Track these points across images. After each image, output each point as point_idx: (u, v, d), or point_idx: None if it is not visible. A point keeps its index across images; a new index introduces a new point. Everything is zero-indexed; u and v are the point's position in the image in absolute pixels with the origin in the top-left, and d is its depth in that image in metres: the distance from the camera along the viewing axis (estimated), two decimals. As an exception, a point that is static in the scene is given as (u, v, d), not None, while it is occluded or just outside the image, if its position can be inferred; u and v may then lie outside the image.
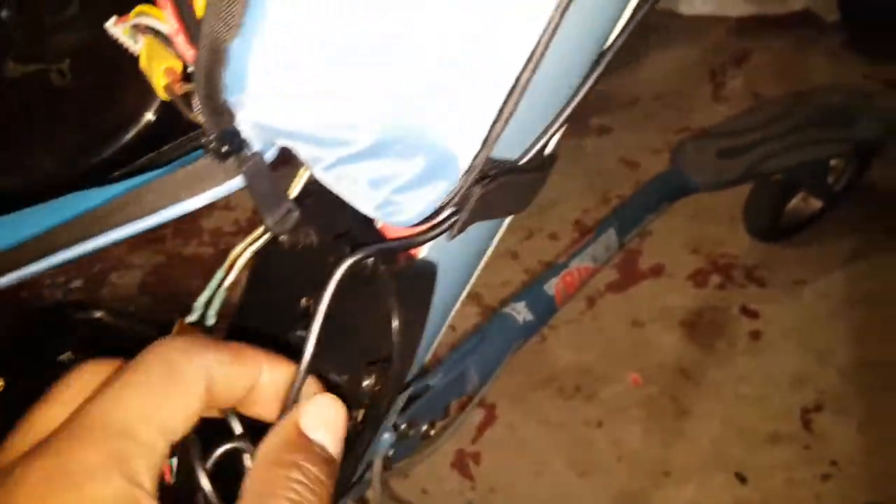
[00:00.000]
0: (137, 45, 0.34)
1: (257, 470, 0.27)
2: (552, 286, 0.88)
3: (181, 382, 0.26)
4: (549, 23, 0.29)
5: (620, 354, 1.33)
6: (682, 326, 1.37)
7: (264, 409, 0.30)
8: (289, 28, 0.26)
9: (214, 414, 0.29)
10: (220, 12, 0.25)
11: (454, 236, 0.33)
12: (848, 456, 1.18)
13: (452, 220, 0.32)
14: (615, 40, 0.36)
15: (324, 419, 0.28)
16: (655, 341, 1.35)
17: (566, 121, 0.36)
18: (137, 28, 0.34)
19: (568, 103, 0.36)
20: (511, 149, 0.35)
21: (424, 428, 0.62)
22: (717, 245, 1.49)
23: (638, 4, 0.36)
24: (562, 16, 0.29)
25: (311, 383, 0.31)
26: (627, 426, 1.24)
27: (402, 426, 0.58)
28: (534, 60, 0.30)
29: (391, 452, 0.56)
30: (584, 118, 1.77)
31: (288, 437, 0.28)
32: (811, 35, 2.03)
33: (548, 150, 0.39)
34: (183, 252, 1.60)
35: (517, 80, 0.30)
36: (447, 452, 1.20)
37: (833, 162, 1.33)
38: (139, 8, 0.33)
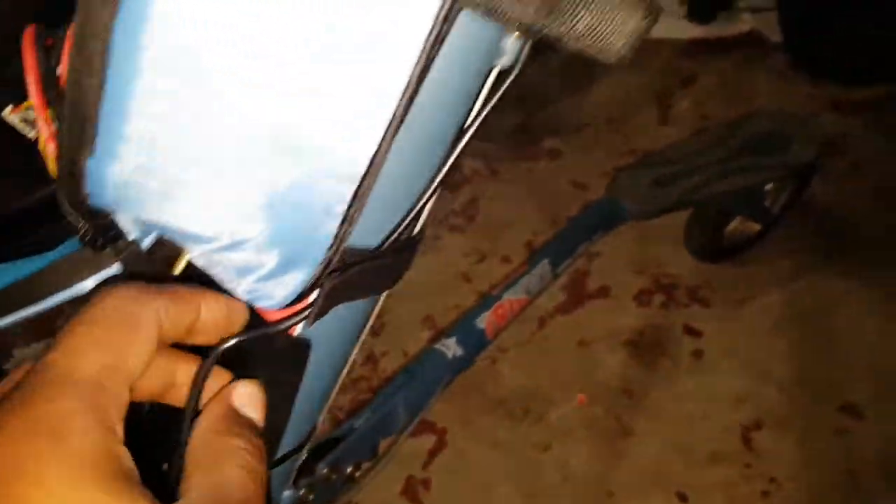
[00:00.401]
0: (31, 133, 0.37)
1: (200, 440, 0.29)
2: (483, 320, 0.91)
3: (138, 331, 0.28)
4: (394, 115, 0.30)
5: (568, 375, 1.36)
6: (626, 346, 1.40)
7: (204, 338, 0.32)
8: (142, 142, 0.28)
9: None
10: (73, 131, 0.27)
11: (311, 323, 0.35)
12: (787, 472, 1.22)
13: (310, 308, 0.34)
14: (475, 117, 0.39)
15: (250, 396, 0.32)
16: (601, 361, 1.38)
17: (427, 201, 0.38)
18: (27, 121, 0.36)
19: (427, 187, 0.38)
20: (371, 235, 0.38)
21: (349, 470, 0.64)
22: (661, 265, 1.53)
23: (496, 81, 0.38)
24: (407, 107, 0.30)
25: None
26: (574, 447, 1.27)
27: (324, 471, 0.60)
28: (380, 155, 0.31)
29: (311, 497, 0.58)
30: (536, 141, 1.81)
31: (226, 412, 0.31)
32: (756, 56, 2.09)
33: (417, 229, 0.42)
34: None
35: (361, 182, 0.31)
36: (397, 479, 1.22)
37: (769, 186, 1.37)
38: (29, 102, 0.35)
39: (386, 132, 0.30)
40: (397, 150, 0.32)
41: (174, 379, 0.32)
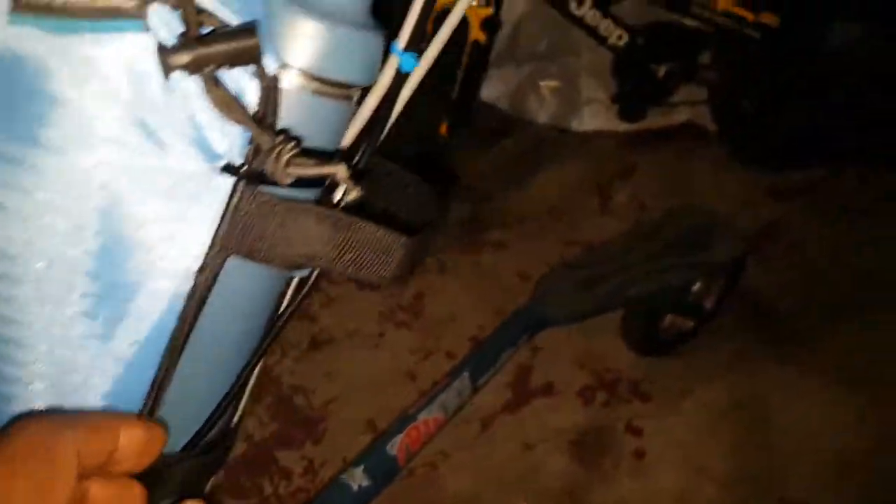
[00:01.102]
0: None
1: None
2: (395, 445, 0.89)
3: (59, 467, 0.28)
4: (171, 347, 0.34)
5: (511, 479, 1.36)
6: (570, 447, 1.41)
7: (125, 466, 0.32)
8: None
9: None
10: None
11: None
12: (728, 572, 1.22)
13: None
14: (284, 313, 0.40)
15: None
16: (545, 464, 1.38)
17: (230, 403, 0.40)
18: None
19: (232, 389, 0.39)
20: (179, 435, 0.39)
21: None
22: (603, 360, 1.55)
23: (297, 288, 0.41)
24: (196, 313, 0.34)
25: None
26: (516, 554, 1.25)
27: None
28: (163, 379, 0.34)
29: None
30: (481, 233, 1.84)
31: None
32: (695, 146, 2.17)
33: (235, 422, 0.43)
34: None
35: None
36: None
37: (696, 284, 1.41)
38: None
39: (163, 364, 0.34)
40: (193, 361, 0.35)
41: None
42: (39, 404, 0.33)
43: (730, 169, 2.11)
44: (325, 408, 1.46)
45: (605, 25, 1.77)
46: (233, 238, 0.33)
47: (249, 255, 0.34)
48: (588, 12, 1.74)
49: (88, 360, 0.33)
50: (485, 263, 1.77)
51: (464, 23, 1.61)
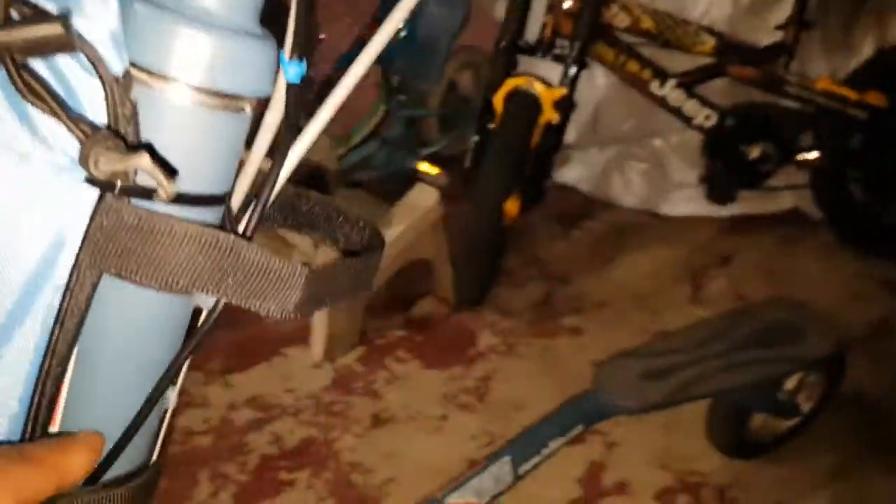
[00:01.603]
0: None
1: None
2: (421, 530, 0.82)
3: None
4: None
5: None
6: (643, 554, 1.27)
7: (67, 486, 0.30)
8: None
9: None
10: None
11: None
12: None
13: None
14: (185, 351, 0.36)
15: None
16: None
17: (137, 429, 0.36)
18: None
19: (137, 419, 0.36)
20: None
21: None
22: (687, 461, 1.41)
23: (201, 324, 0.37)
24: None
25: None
26: None
27: None
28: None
29: None
30: (556, 318, 1.76)
31: None
32: (799, 234, 2.02)
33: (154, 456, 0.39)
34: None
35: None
36: None
37: (789, 381, 1.27)
38: None
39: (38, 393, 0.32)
40: (84, 394, 0.34)
41: None
42: None
43: (839, 259, 1.95)
44: (382, 488, 1.39)
45: (689, 105, 1.71)
46: (97, 254, 0.31)
47: (119, 274, 0.31)
48: (671, 93, 1.69)
49: None
50: (557, 349, 1.68)
51: (536, 103, 1.59)
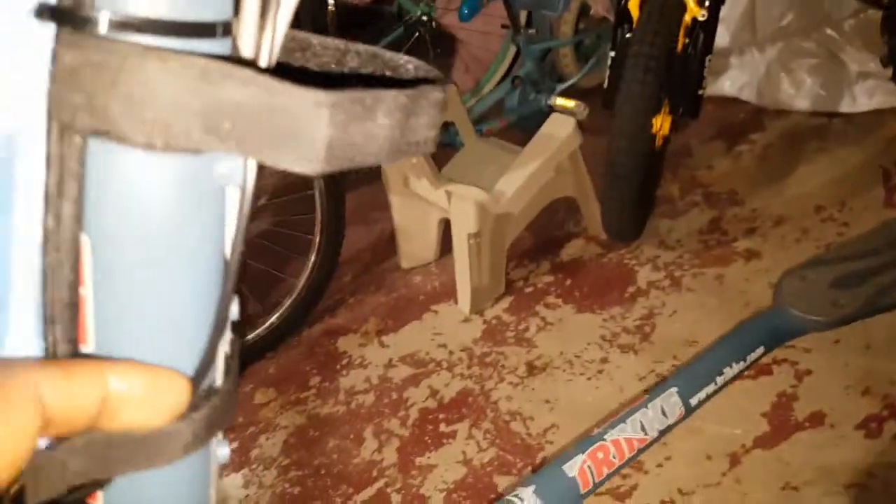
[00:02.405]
0: None
1: None
2: (574, 466, 0.72)
3: (4, 410, 0.23)
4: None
5: (765, 530, 1.08)
6: (849, 490, 1.09)
7: (134, 417, 0.26)
8: None
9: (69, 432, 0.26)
10: None
11: None
12: None
13: None
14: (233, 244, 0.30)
15: None
16: (812, 512, 1.08)
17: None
18: None
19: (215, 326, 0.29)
20: None
21: None
22: (894, 383, 1.20)
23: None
24: None
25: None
26: None
27: None
28: None
29: None
30: (727, 242, 1.57)
31: None
32: None
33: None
34: (320, 412, 1.61)
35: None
36: None
37: None
38: None
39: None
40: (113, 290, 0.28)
41: None
42: None
43: None
44: (544, 436, 1.32)
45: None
46: (66, 111, 0.25)
47: (96, 131, 0.25)
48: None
49: None
50: (731, 276, 1.50)
51: (680, 1, 1.41)
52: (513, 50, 2.04)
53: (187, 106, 0.24)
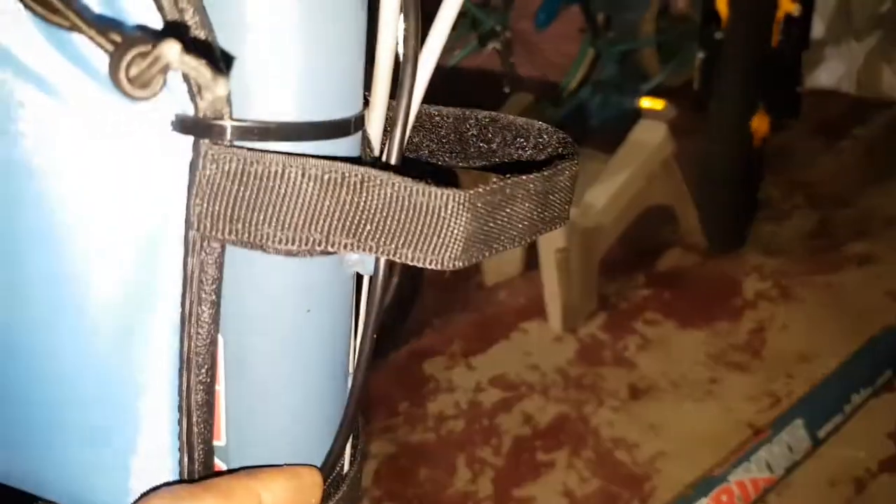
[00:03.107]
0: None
1: None
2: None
3: None
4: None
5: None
6: None
7: None
8: None
9: None
10: None
11: None
12: None
13: None
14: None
15: None
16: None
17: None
18: None
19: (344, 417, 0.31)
20: None
21: None
22: None
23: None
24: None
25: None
26: None
27: None
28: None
29: None
30: (836, 247, 1.48)
31: None
32: None
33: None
34: (410, 440, 1.58)
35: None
36: None
37: None
38: None
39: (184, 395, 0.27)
40: (250, 388, 0.29)
41: None
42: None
43: None
44: (652, 464, 1.25)
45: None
46: (205, 220, 0.25)
47: (234, 239, 0.25)
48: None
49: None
50: (843, 284, 1.42)
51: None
52: (591, 53, 1.98)
53: (328, 212, 0.24)
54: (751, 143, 1.41)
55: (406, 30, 0.28)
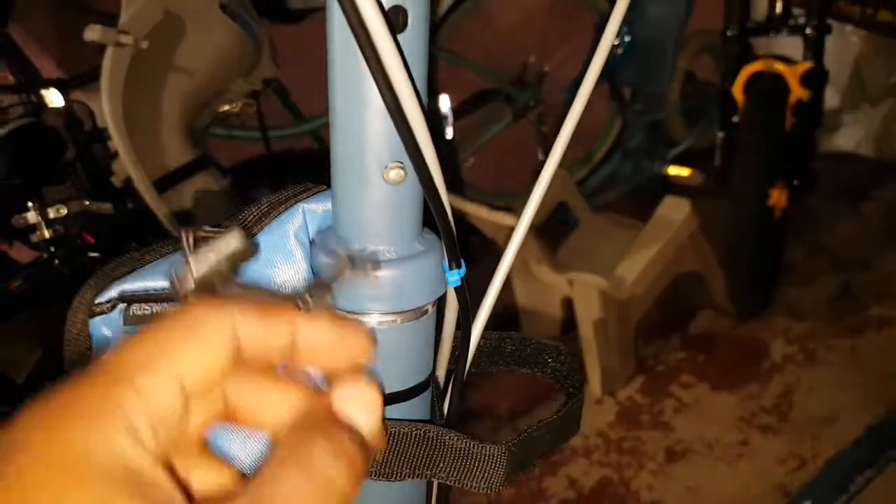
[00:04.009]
0: None
1: (286, 436, 0.25)
2: None
3: (199, 335, 0.25)
4: None
5: None
6: None
7: (320, 361, 0.28)
8: None
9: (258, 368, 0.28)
10: None
11: None
12: None
13: None
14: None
15: (358, 405, 0.27)
16: None
17: None
18: None
19: None
20: None
21: None
22: None
23: None
24: None
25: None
26: None
27: None
28: None
29: None
30: (860, 310, 1.56)
31: (319, 420, 0.26)
32: None
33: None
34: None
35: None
36: None
37: None
38: None
39: None
40: None
41: (257, 405, 0.27)
42: None
43: None
44: (680, 532, 1.34)
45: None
46: None
47: None
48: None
49: None
50: (867, 347, 1.49)
51: (781, 84, 1.43)
52: (619, 121, 2.09)
53: (413, 455, 0.35)
54: (771, 215, 1.50)
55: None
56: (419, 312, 0.37)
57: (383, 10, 0.28)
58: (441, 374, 0.42)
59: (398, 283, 0.35)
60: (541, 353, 0.45)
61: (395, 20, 0.30)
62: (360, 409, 0.27)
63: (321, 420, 0.26)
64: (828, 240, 1.71)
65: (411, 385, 0.38)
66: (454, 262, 0.37)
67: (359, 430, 0.26)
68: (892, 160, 1.84)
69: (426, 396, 0.40)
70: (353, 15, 0.27)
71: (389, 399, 0.36)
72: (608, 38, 0.37)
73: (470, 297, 0.38)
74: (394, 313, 0.36)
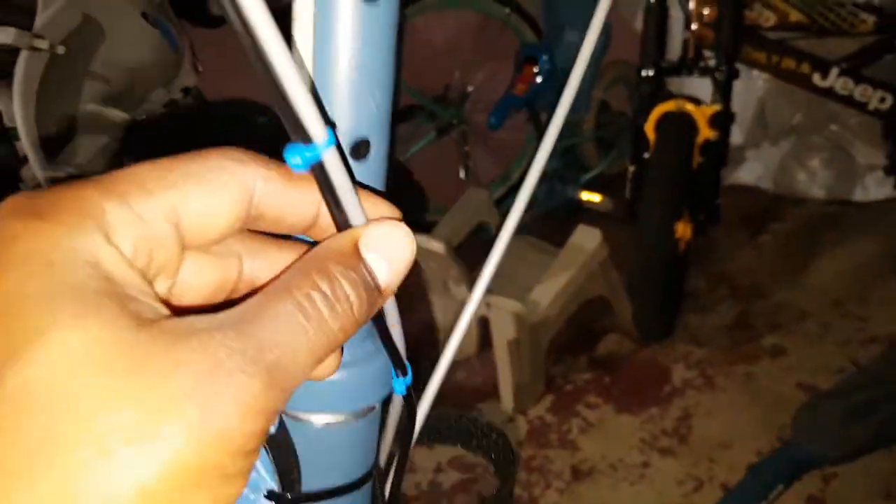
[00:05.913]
0: None
1: (293, 269, 0.23)
2: None
3: (210, 177, 0.22)
4: None
5: None
6: None
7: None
8: None
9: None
10: None
11: None
12: None
13: None
14: None
15: (387, 247, 0.24)
16: None
17: None
18: None
19: None
20: None
21: None
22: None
23: None
24: None
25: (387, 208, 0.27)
26: None
27: None
28: None
29: None
30: (754, 338, 1.66)
31: (339, 248, 0.23)
32: None
33: None
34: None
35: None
36: None
37: None
38: None
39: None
40: None
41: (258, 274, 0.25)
42: None
43: None
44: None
45: (860, 91, 1.54)
46: None
47: None
48: (836, 82, 1.53)
49: None
50: (760, 374, 1.59)
51: (690, 124, 1.51)
52: (533, 146, 2.15)
53: None
54: (676, 248, 1.59)
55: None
56: (368, 410, 0.37)
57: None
58: (383, 459, 0.42)
59: (350, 385, 0.36)
60: (474, 434, 0.48)
61: None
62: (387, 251, 0.24)
63: (333, 257, 0.23)
64: (728, 269, 1.81)
65: (356, 478, 0.38)
66: (400, 371, 0.37)
67: (375, 277, 0.24)
68: (789, 195, 1.97)
69: (369, 485, 0.40)
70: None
71: (336, 493, 0.37)
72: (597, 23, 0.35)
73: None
74: (344, 413, 0.36)
